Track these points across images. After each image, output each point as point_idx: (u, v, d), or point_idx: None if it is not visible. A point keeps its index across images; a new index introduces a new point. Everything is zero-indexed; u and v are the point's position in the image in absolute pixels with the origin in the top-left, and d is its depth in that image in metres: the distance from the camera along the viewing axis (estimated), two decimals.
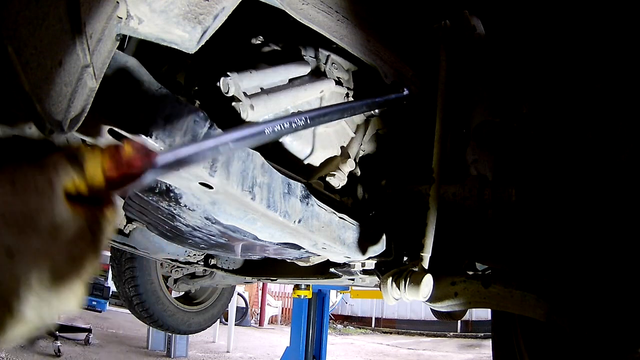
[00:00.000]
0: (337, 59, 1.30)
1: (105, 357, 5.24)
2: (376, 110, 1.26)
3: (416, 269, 1.03)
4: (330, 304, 8.20)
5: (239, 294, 10.47)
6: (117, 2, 0.58)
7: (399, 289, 1.02)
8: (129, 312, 3.13)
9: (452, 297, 1.10)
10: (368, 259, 1.25)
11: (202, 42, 0.70)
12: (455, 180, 1.18)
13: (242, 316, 11.46)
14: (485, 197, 1.13)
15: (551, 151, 1.12)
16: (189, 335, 4.69)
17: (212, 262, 2.28)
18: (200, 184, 0.85)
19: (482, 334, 11.18)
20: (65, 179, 0.41)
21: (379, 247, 1.22)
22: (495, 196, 1.12)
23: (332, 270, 1.64)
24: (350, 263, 1.47)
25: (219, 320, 5.03)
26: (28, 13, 0.36)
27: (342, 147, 1.26)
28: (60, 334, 5.17)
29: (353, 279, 1.81)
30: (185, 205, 1.05)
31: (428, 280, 0.99)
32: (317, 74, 1.22)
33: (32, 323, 0.40)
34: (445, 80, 1.15)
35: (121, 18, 0.60)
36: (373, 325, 15.21)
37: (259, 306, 13.54)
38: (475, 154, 1.21)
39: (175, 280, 2.89)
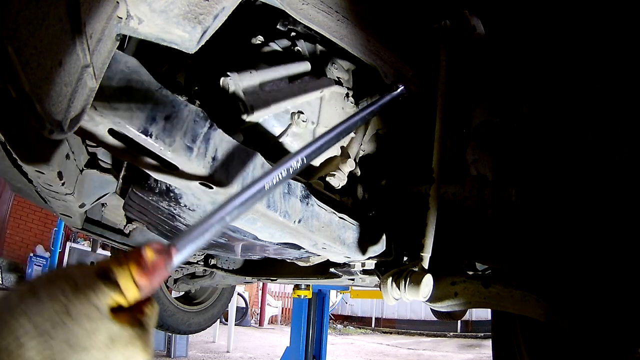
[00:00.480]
0: (337, 59, 1.30)
1: None
2: None
3: (416, 269, 1.03)
4: (330, 304, 8.20)
5: (239, 294, 10.47)
6: (117, 2, 0.58)
7: (399, 289, 1.02)
8: None
9: (452, 297, 1.10)
10: (368, 259, 1.25)
11: (202, 42, 0.70)
12: (455, 180, 1.18)
13: (242, 316, 11.46)
14: (485, 197, 1.13)
15: (551, 151, 1.12)
16: (189, 335, 4.69)
17: (212, 262, 2.28)
18: (201, 184, 0.85)
19: (482, 334, 11.18)
20: (107, 299, 0.48)
21: (379, 247, 1.22)
22: (495, 196, 1.12)
23: (332, 270, 1.64)
24: (350, 263, 1.47)
25: (219, 320, 5.03)
26: (28, 13, 0.36)
27: (342, 147, 1.26)
28: None
29: (353, 279, 1.81)
30: (185, 205, 1.05)
31: (428, 280, 0.99)
32: (317, 74, 1.22)
33: None
34: (445, 80, 1.15)
35: (121, 18, 0.60)
36: (373, 325, 15.21)
37: (259, 306, 13.54)
38: (475, 154, 1.21)
39: (175, 280, 2.89)
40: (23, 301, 0.44)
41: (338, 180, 1.19)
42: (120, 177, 1.15)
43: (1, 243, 9.37)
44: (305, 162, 0.83)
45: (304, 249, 1.18)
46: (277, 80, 1.11)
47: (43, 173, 0.93)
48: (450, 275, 1.12)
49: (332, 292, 8.07)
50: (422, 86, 1.25)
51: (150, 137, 0.73)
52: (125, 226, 1.74)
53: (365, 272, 1.50)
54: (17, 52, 0.35)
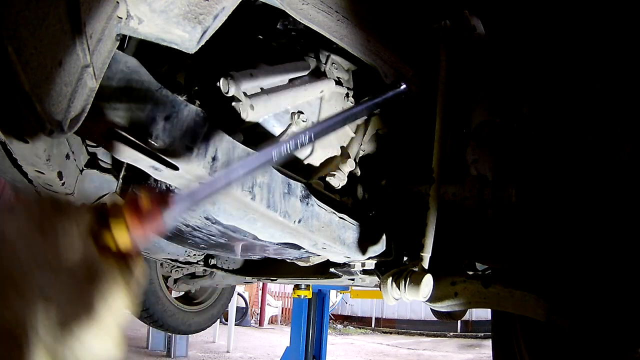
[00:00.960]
0: (337, 59, 1.30)
1: None
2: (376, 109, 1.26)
3: (416, 269, 1.03)
4: (330, 304, 8.20)
5: (239, 294, 10.47)
6: (117, 2, 0.58)
7: (399, 289, 1.02)
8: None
9: (452, 297, 1.10)
10: (368, 259, 1.25)
11: (202, 42, 0.70)
12: (455, 180, 1.18)
13: (242, 316, 11.46)
14: (485, 197, 1.13)
15: (551, 151, 1.12)
16: (189, 335, 4.68)
17: (212, 262, 2.28)
18: (201, 184, 0.85)
19: (482, 334, 11.18)
20: (92, 227, 0.46)
21: (379, 247, 1.22)
22: (495, 196, 1.12)
23: (332, 270, 1.64)
24: (350, 263, 1.47)
25: (219, 320, 5.03)
26: (28, 13, 0.36)
27: (342, 147, 1.26)
28: None
29: (353, 279, 1.81)
30: None
31: (428, 280, 0.99)
32: (317, 74, 1.22)
33: None
34: (445, 80, 1.15)
35: (121, 18, 0.60)
36: (373, 325, 15.20)
37: (259, 306, 13.54)
38: (475, 154, 1.21)
39: (175, 280, 2.89)
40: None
41: (338, 180, 1.19)
42: (120, 177, 1.15)
43: None
44: (312, 139, 0.85)
45: (304, 249, 1.18)
46: (277, 80, 1.11)
47: (43, 173, 0.92)
48: (450, 275, 1.12)
49: (332, 292, 8.07)
50: (422, 86, 1.25)
51: (151, 137, 0.73)
52: None
53: (365, 272, 1.50)
54: (17, 52, 0.35)
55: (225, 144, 0.86)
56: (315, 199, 1.07)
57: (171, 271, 2.83)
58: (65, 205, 0.46)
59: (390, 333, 13.99)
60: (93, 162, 1.36)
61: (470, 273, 1.17)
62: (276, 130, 1.12)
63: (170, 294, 3.04)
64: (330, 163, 1.23)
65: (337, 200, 1.20)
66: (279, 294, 15.33)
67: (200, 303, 3.38)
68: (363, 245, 1.19)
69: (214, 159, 0.83)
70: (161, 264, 2.85)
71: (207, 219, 1.09)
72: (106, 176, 1.39)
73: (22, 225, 0.42)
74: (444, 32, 1.16)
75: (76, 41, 0.46)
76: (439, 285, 1.09)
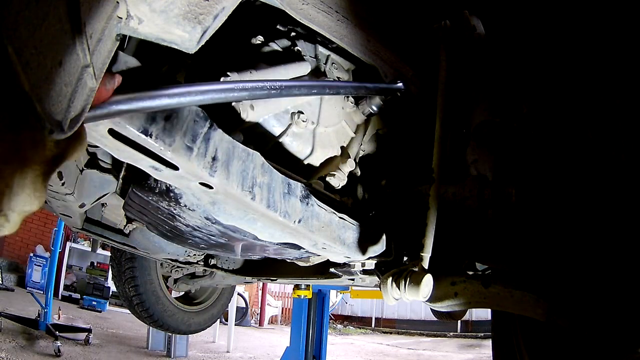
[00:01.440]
0: (337, 59, 1.30)
1: (105, 357, 5.24)
2: (374, 108, 1.26)
3: (416, 269, 1.03)
4: (330, 304, 8.20)
5: (239, 294, 10.47)
6: (117, 2, 0.58)
7: (399, 289, 1.02)
8: (129, 312, 3.13)
9: (452, 297, 1.10)
10: (368, 259, 1.25)
11: (202, 42, 0.70)
12: (455, 180, 1.18)
13: (242, 316, 11.46)
14: (485, 197, 1.13)
15: (551, 151, 1.12)
16: (189, 335, 4.69)
17: (212, 262, 2.28)
18: (200, 184, 0.85)
19: (482, 334, 11.18)
20: None
21: (379, 247, 1.22)
22: (495, 196, 1.12)
23: (332, 270, 1.65)
24: (350, 263, 1.47)
25: (219, 320, 5.03)
26: (28, 13, 0.36)
27: (342, 147, 1.26)
28: (60, 334, 5.16)
29: (353, 279, 1.81)
30: (185, 205, 1.05)
31: (428, 280, 0.99)
32: (317, 74, 1.22)
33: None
34: (445, 80, 1.15)
35: (121, 18, 0.60)
36: (373, 325, 15.21)
37: (259, 306, 13.54)
38: (475, 154, 1.21)
39: (175, 280, 2.89)
40: None
41: (338, 180, 1.19)
42: (120, 177, 1.15)
43: (1, 243, 9.37)
44: (283, 90, 0.85)
45: (304, 249, 1.18)
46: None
47: None
48: (450, 275, 1.12)
49: (332, 292, 8.07)
50: (422, 86, 1.25)
51: (150, 137, 0.73)
52: (125, 226, 1.74)
53: (365, 272, 1.50)
54: (17, 52, 0.35)
55: (225, 144, 0.86)
56: (315, 199, 1.07)
57: (171, 271, 2.83)
58: None
59: (390, 333, 13.99)
60: (93, 162, 1.36)
61: (470, 273, 1.17)
62: (276, 130, 1.12)
63: (170, 294, 3.04)
64: (330, 163, 1.23)
65: (337, 200, 1.20)
66: (279, 294, 15.33)
67: (200, 303, 3.39)
68: (363, 245, 1.19)
69: (214, 159, 0.83)
70: (161, 264, 2.86)
71: (207, 219, 1.10)
72: (106, 176, 1.40)
73: None
74: (444, 32, 1.16)
75: (76, 41, 0.46)
76: (439, 285, 1.09)
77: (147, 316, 2.86)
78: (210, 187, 0.86)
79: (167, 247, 1.85)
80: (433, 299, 1.10)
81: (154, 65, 0.91)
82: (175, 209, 1.06)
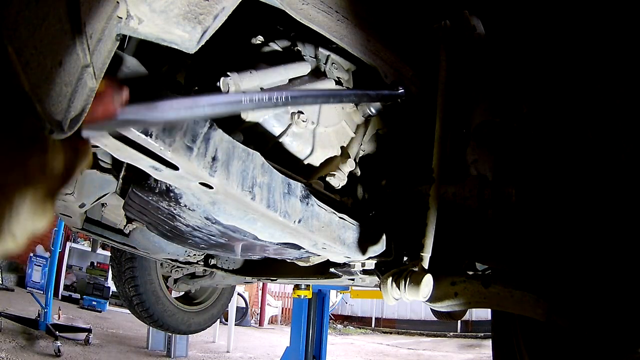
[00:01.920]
0: (337, 59, 1.30)
1: (105, 357, 5.24)
2: (373, 110, 1.26)
3: (416, 269, 1.03)
4: (330, 304, 8.20)
5: (239, 294, 10.47)
6: (117, 2, 0.58)
7: (399, 289, 1.02)
8: (129, 312, 3.13)
9: (452, 297, 1.10)
10: (368, 259, 1.25)
11: (202, 42, 0.70)
12: (455, 180, 1.18)
13: (242, 316, 11.46)
14: (485, 197, 1.13)
15: (551, 151, 1.12)
16: (189, 335, 4.69)
17: (212, 262, 2.28)
18: (200, 184, 0.85)
19: (482, 334, 11.17)
20: None
21: (379, 247, 1.22)
22: (495, 196, 1.12)
23: (332, 270, 1.64)
24: (350, 263, 1.47)
25: (219, 320, 5.03)
26: (28, 13, 0.36)
27: (342, 147, 1.26)
28: (60, 334, 5.16)
29: (353, 279, 1.81)
30: (185, 205, 1.05)
31: (428, 280, 0.99)
32: (317, 74, 1.22)
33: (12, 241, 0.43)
34: (445, 80, 1.15)
35: (121, 18, 0.60)
36: (373, 325, 15.20)
37: (259, 306, 13.53)
38: (475, 154, 1.21)
39: (175, 280, 2.89)
40: None
41: (338, 180, 1.19)
42: (120, 177, 1.15)
43: None
44: (289, 100, 0.85)
45: (304, 249, 1.18)
46: (277, 80, 1.11)
47: None
48: (450, 275, 1.12)
49: (332, 292, 8.07)
50: (422, 86, 1.25)
51: (150, 137, 0.73)
52: (125, 226, 1.74)
53: (365, 272, 1.50)
54: (17, 52, 0.35)
55: (225, 144, 0.86)
56: (315, 199, 1.07)
57: (171, 271, 2.83)
58: None
59: (390, 333, 13.99)
60: (93, 162, 1.35)
61: (470, 273, 1.17)
62: (276, 130, 1.12)
63: (170, 294, 3.04)
64: (330, 163, 1.23)
65: (337, 200, 1.20)
66: (279, 294, 15.32)
67: (200, 303, 3.38)
68: (363, 245, 1.19)
69: (214, 158, 0.83)
70: (161, 264, 2.85)
71: (207, 218, 1.09)
72: (106, 176, 1.40)
73: None
74: (444, 32, 1.16)
75: (76, 41, 0.46)
76: (439, 285, 1.08)
77: (147, 316, 2.86)
78: (210, 187, 0.86)
79: (167, 247, 1.85)
80: (433, 299, 1.10)
81: (154, 65, 0.91)
82: (175, 209, 1.06)
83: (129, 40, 0.96)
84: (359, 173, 1.31)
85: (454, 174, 1.20)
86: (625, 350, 0.92)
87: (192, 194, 0.96)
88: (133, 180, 1.05)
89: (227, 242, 1.32)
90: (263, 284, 12.03)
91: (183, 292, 3.27)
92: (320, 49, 1.27)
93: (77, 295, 9.35)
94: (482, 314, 10.78)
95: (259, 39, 1.19)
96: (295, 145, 1.16)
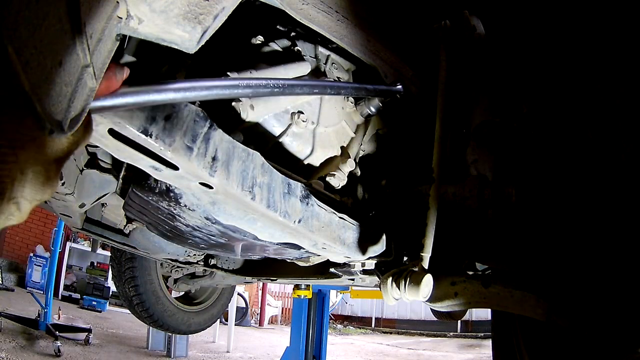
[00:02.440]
0: (337, 59, 1.30)
1: (105, 357, 5.24)
2: (372, 109, 1.26)
3: (416, 269, 1.03)
4: (330, 304, 8.20)
5: (239, 294, 10.47)
6: (117, 2, 0.57)
7: (399, 289, 1.02)
8: (129, 312, 3.13)
9: (452, 297, 1.10)
10: (368, 259, 1.25)
11: (202, 42, 0.70)
12: (455, 180, 1.18)
13: (242, 316, 11.46)
14: (485, 197, 1.13)
15: (551, 151, 1.12)
16: (189, 335, 4.69)
17: (212, 262, 2.28)
18: (200, 184, 0.85)
19: (482, 334, 11.18)
20: None
21: (379, 247, 1.22)
22: (495, 196, 1.12)
23: (332, 270, 1.65)
24: (350, 263, 1.47)
25: (219, 320, 5.03)
26: (28, 13, 0.36)
27: (342, 147, 1.26)
28: (60, 334, 5.17)
29: (353, 279, 1.81)
30: (185, 205, 1.05)
31: (428, 280, 0.99)
32: (317, 74, 1.22)
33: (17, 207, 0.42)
34: (445, 80, 1.15)
35: (121, 18, 0.60)
36: (373, 325, 15.21)
37: (259, 306, 13.54)
38: (475, 154, 1.21)
39: (175, 280, 2.89)
40: None
41: (338, 180, 1.19)
42: (120, 177, 1.15)
43: (1, 243, 9.37)
44: (286, 89, 0.85)
45: (304, 249, 1.18)
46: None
47: None
48: (450, 275, 1.12)
49: (332, 292, 8.08)
50: (422, 86, 1.25)
51: (150, 137, 0.73)
52: (125, 226, 1.74)
53: (365, 272, 1.50)
54: (17, 52, 0.35)
55: (225, 144, 0.86)
56: (315, 199, 1.07)
57: (171, 271, 2.83)
58: None
59: (390, 333, 13.99)
60: (93, 162, 1.36)
61: (470, 273, 1.17)
62: (276, 130, 1.12)
63: (170, 294, 3.04)
64: (330, 163, 1.23)
65: (337, 200, 1.20)
66: (279, 294, 15.33)
67: (200, 303, 3.39)
68: (363, 245, 1.19)
69: (214, 158, 0.83)
70: (161, 264, 2.86)
71: (207, 218, 1.10)
72: (106, 176, 1.40)
73: None
74: (444, 32, 1.16)
75: (76, 41, 0.46)
76: (439, 285, 1.09)
77: (147, 316, 2.86)
78: (210, 187, 0.86)
79: (167, 247, 1.85)
80: (433, 299, 1.10)
81: (154, 65, 0.91)
82: (175, 209, 1.07)
83: (129, 40, 0.96)
84: (359, 173, 1.31)
85: (454, 174, 1.20)
86: (625, 350, 0.92)
87: (192, 194, 0.96)
88: (133, 180, 1.05)
89: (227, 242, 1.32)
90: (263, 284, 12.03)
91: (183, 292, 3.27)
92: (320, 49, 1.27)
93: (77, 295, 9.35)
94: (482, 314, 10.79)
95: (259, 39, 1.19)
96: (295, 145, 1.16)
